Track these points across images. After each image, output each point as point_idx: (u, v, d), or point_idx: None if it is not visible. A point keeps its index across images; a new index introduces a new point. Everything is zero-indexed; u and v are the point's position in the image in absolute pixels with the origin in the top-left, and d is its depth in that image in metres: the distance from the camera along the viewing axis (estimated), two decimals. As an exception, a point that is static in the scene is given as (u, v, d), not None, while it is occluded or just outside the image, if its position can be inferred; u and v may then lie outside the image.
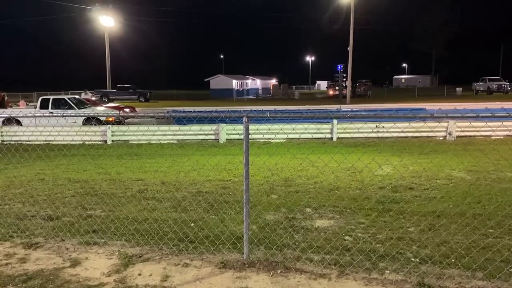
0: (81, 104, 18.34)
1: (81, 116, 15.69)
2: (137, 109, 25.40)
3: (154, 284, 3.73)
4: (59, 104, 17.27)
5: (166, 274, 3.91)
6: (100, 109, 19.29)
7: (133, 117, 17.02)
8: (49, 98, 17.52)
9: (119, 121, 16.91)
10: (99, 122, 16.11)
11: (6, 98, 21.22)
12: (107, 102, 29.85)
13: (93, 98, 27.19)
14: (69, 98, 18.08)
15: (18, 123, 16.42)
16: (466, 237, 4.61)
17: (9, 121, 16.35)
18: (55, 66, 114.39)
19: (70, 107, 17.09)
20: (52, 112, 15.81)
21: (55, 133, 12.15)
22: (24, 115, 16.04)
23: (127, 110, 22.23)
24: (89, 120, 16.22)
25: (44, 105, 17.08)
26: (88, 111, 17.24)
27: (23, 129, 15.08)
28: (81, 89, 33.01)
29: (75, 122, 16.05)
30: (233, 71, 69.53)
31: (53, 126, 11.95)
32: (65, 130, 12.98)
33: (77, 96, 22.18)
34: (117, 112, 18.01)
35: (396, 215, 5.43)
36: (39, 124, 14.16)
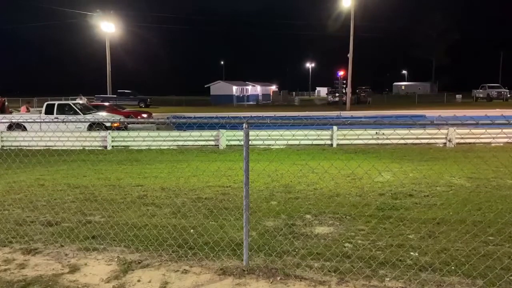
0: (86, 109, 18.40)
1: (86, 122, 15.73)
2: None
3: (153, 291, 3.72)
4: (64, 109, 17.30)
5: (165, 281, 3.90)
6: (103, 114, 19.32)
7: (133, 122, 17.03)
8: (54, 104, 17.56)
9: (125, 127, 16.92)
10: (104, 127, 16.13)
11: (6, 103, 21.25)
12: (124, 108, 29.96)
13: (106, 104, 27.07)
14: (74, 104, 18.13)
15: (20, 127, 16.42)
16: (466, 244, 4.60)
17: (12, 127, 16.35)
18: (56, 72, 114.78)
19: (76, 113, 17.11)
20: (57, 118, 15.84)
21: (55, 139, 12.15)
22: (26, 120, 16.07)
23: (145, 115, 22.28)
24: (95, 125, 16.26)
25: (49, 110, 17.10)
26: (91, 117, 17.24)
27: (23, 135, 15.10)
28: (78, 95, 33.13)
29: (80, 127, 16.08)
30: (233, 77, 69.80)
31: (53, 131, 11.98)
32: (65, 135, 13.00)
33: (81, 102, 22.27)
34: (119, 117, 18.05)
35: (396, 222, 5.42)
36: (48, 129, 14.12)
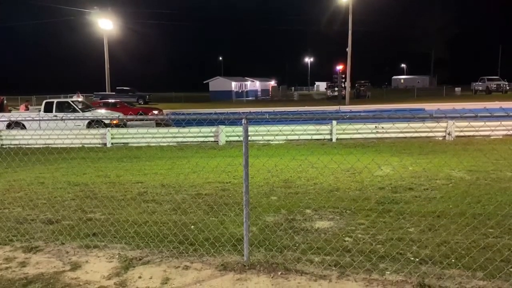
0: (85, 107, 18.39)
1: (85, 119, 15.69)
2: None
3: (155, 287, 3.73)
4: (63, 107, 17.29)
5: (167, 277, 3.91)
6: (101, 112, 19.31)
7: (132, 119, 17.03)
8: (53, 102, 17.55)
9: (124, 124, 16.91)
10: (103, 124, 16.13)
11: (5, 102, 21.22)
12: (135, 105, 30.12)
13: (112, 101, 27.03)
14: (72, 101, 18.13)
15: (19, 125, 16.39)
16: (466, 237, 4.61)
17: (11, 125, 16.31)
18: (54, 70, 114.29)
19: (74, 110, 17.10)
20: (56, 115, 15.83)
21: (54, 137, 12.14)
22: (25, 118, 16.05)
23: (156, 112, 22.35)
24: (94, 123, 16.26)
25: (48, 108, 17.09)
26: (90, 114, 17.22)
27: (23, 133, 15.07)
28: (75, 92, 33.18)
29: (79, 125, 16.08)
30: (232, 73, 69.59)
31: (52, 129, 11.94)
32: (64, 133, 12.98)
33: (80, 99, 22.28)
34: (118, 114, 18.03)
35: (396, 215, 5.43)
36: (47, 127, 14.10)
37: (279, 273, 3.90)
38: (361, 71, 64.18)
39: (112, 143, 14.32)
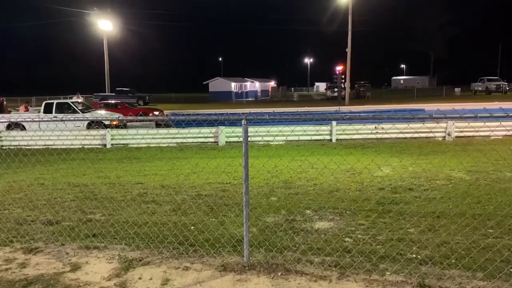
0: (85, 108, 18.42)
1: (85, 120, 15.69)
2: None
3: (155, 288, 3.73)
4: (63, 108, 17.31)
5: (167, 278, 3.91)
6: (101, 112, 19.32)
7: (131, 120, 17.02)
8: (53, 103, 17.57)
9: (124, 125, 16.92)
10: (103, 125, 16.15)
11: (5, 103, 21.22)
12: (136, 106, 30.37)
13: (113, 102, 27.05)
14: (72, 102, 18.16)
15: (18, 126, 16.38)
16: (466, 237, 4.61)
17: (10, 126, 16.31)
18: (54, 70, 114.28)
19: (74, 111, 17.12)
20: (56, 116, 15.84)
21: (54, 138, 12.14)
22: (25, 120, 16.02)
23: (156, 113, 22.38)
24: (94, 124, 16.29)
25: (48, 109, 17.11)
26: (90, 115, 17.23)
27: (22, 134, 15.08)
28: (75, 93, 33.20)
29: (79, 126, 16.10)
30: (232, 74, 69.58)
31: (52, 130, 11.90)
32: (64, 134, 12.98)
33: (80, 100, 22.31)
34: (117, 115, 18.03)
35: (396, 216, 5.43)
36: (47, 129, 14.10)
37: (279, 273, 3.90)
38: (360, 71, 64.12)
39: (112, 144, 14.31)
